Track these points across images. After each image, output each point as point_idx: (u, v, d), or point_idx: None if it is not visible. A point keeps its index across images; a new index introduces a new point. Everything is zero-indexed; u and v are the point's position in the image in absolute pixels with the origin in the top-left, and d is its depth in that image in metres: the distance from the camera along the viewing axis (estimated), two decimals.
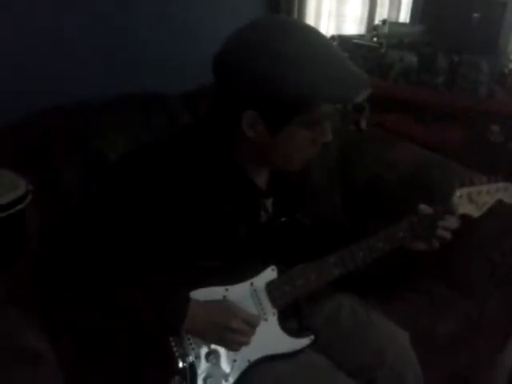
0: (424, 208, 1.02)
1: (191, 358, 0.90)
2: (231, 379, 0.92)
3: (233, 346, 0.92)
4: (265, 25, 0.85)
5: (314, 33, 0.87)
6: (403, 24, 2.32)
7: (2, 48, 1.34)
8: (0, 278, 0.96)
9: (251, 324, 0.92)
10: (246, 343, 0.92)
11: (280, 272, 0.97)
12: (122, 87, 1.35)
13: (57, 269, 0.86)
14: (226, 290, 0.93)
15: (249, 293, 0.95)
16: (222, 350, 0.93)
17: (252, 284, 0.95)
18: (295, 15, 2.03)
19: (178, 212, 0.89)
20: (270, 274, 0.97)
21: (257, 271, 0.96)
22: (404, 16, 2.46)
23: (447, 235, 1.02)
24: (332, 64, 0.83)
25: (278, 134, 0.87)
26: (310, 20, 2.15)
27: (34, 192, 1.07)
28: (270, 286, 0.96)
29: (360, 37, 2.22)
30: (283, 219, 1.00)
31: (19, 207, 1.02)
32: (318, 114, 0.85)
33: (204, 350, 0.92)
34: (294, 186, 1.06)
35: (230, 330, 0.90)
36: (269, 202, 1.01)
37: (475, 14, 1.90)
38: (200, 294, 0.91)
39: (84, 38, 1.50)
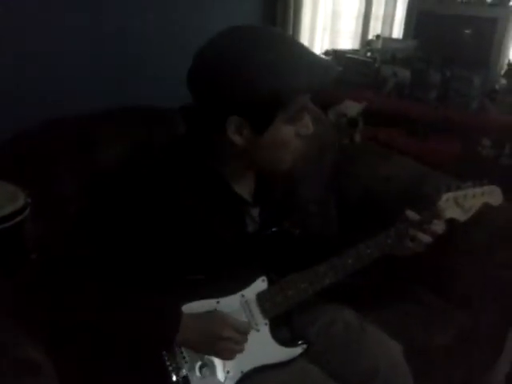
0: (411, 214, 1.04)
1: (185, 371, 0.91)
2: None
3: (227, 355, 0.93)
4: (235, 35, 0.89)
5: (280, 35, 0.93)
6: (396, 39, 2.34)
7: (3, 58, 1.36)
8: (0, 289, 0.97)
9: (242, 331, 0.93)
10: (240, 351, 0.93)
11: (270, 282, 0.98)
12: (122, 100, 1.36)
13: (56, 279, 0.87)
14: (218, 302, 0.94)
15: (240, 304, 0.96)
16: (215, 362, 0.93)
17: (243, 295, 0.96)
18: (290, 30, 2.07)
19: (166, 227, 0.91)
20: (260, 284, 0.98)
21: (247, 282, 0.97)
22: (397, 31, 2.49)
23: (431, 239, 1.03)
24: (300, 58, 0.89)
25: (263, 134, 0.90)
26: (304, 34, 2.18)
27: (35, 203, 1.07)
28: (261, 297, 0.97)
29: (354, 51, 2.25)
30: (273, 229, 1.02)
31: (18, 219, 1.02)
32: (296, 106, 0.90)
33: (197, 363, 0.92)
34: (280, 195, 1.07)
35: (223, 340, 0.91)
36: (255, 212, 1.03)
37: (467, 31, 1.93)
38: (192, 307, 0.92)
39: (86, 50, 1.52)
